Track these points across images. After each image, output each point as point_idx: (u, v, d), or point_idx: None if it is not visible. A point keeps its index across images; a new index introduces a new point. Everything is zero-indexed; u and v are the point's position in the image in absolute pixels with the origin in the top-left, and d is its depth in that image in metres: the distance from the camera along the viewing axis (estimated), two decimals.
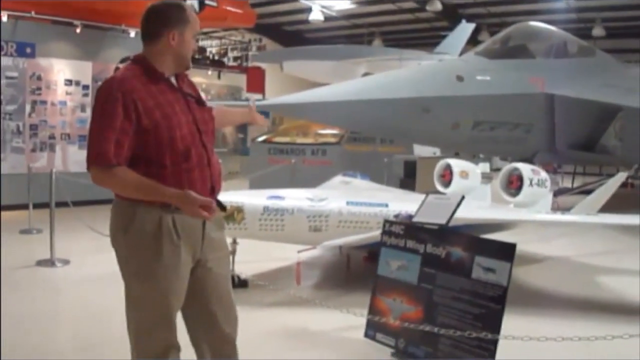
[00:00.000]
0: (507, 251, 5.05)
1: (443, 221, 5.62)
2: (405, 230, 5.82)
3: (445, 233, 5.56)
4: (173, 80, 3.75)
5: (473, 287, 5.10)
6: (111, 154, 3.41)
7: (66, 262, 9.24)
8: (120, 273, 3.70)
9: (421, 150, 16.63)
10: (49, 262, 9.16)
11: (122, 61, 12.96)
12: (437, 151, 16.91)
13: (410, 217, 6.25)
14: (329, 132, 16.95)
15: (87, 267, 9.06)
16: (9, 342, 5.96)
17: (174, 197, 3.44)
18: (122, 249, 3.64)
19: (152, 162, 3.53)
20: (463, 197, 5.85)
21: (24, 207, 12.08)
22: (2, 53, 14.19)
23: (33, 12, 14.57)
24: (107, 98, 3.49)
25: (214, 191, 3.77)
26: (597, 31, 27.83)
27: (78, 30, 15.23)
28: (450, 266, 5.32)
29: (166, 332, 3.67)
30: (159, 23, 3.66)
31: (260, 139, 17.78)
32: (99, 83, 13.81)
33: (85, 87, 15.53)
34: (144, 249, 3.54)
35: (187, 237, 3.61)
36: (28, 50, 14.59)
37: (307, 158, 16.02)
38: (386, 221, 6.14)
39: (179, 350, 3.76)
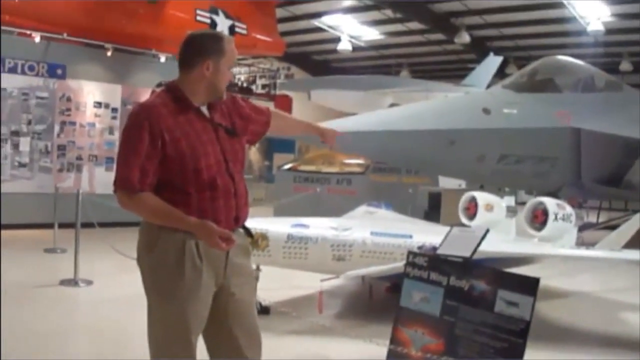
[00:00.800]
0: (530, 285, 5.04)
1: (467, 254, 5.61)
2: (429, 262, 5.81)
3: (469, 266, 5.55)
4: (204, 109, 3.78)
5: (495, 321, 5.08)
6: (135, 180, 3.50)
7: (89, 282, 9.30)
8: (145, 292, 3.74)
9: (446, 182, 16.60)
10: (73, 282, 9.23)
11: (159, 85, 13.07)
12: (462, 183, 16.88)
13: (434, 249, 6.24)
14: (355, 162, 16.98)
15: (110, 288, 9.12)
16: (31, 358, 6.01)
17: (193, 227, 3.50)
18: (145, 269, 3.70)
19: (177, 189, 3.59)
20: (488, 231, 5.84)
21: (50, 226, 12.18)
22: (33, 73, 14.37)
23: (65, 34, 14.73)
24: (134, 124, 3.58)
25: (238, 221, 3.81)
26: (625, 66, 27.79)
27: (109, 54, 15.43)
28: (473, 299, 5.30)
29: (184, 352, 3.68)
30: (195, 52, 3.70)
31: (286, 166, 17.86)
32: (128, 106, 14.22)
33: (114, 109, 15.72)
34: (166, 270, 3.59)
35: (210, 262, 3.65)
36: (59, 71, 14.79)
37: (332, 187, 16.07)
38: (410, 252, 6.14)
39: None
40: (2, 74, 14.10)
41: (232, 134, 3.85)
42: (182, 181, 3.59)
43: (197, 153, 3.60)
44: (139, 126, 3.54)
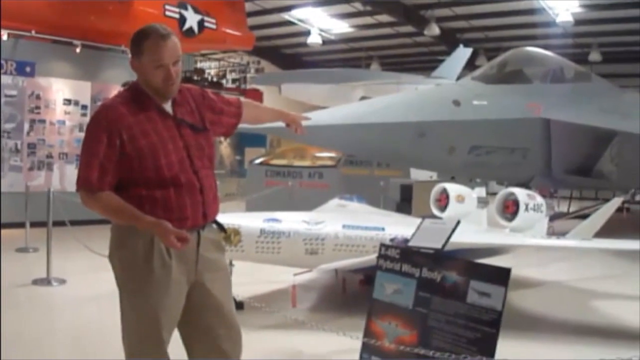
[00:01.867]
0: (501, 276, 5.06)
1: (439, 245, 5.63)
2: (401, 254, 5.83)
3: (441, 257, 5.58)
4: (168, 106, 3.77)
5: (468, 311, 5.11)
6: (94, 179, 3.54)
7: (62, 281, 9.28)
8: (117, 289, 3.76)
9: (418, 174, 16.64)
10: (45, 281, 9.20)
11: (124, 85, 13.01)
12: (433, 175, 16.92)
13: (406, 241, 6.26)
14: (326, 155, 16.99)
15: (84, 286, 9.10)
16: (4, 357, 5.98)
17: (148, 225, 3.50)
18: (116, 266, 3.73)
19: (140, 187, 3.61)
20: (459, 222, 5.87)
21: (21, 225, 12.13)
22: (2, 71, 14.27)
23: (33, 32, 14.64)
24: (93, 125, 3.63)
25: (206, 217, 3.81)
26: (594, 56, 27.98)
27: (78, 50, 15.36)
28: (446, 290, 5.33)
29: (156, 348, 3.70)
30: (131, 50, 3.71)
31: (258, 161, 17.83)
32: (98, 103, 14.07)
33: (84, 107, 15.67)
34: (136, 267, 3.61)
35: (180, 258, 3.66)
36: (28, 69, 14.69)
37: (304, 181, 16.08)
38: (382, 245, 6.16)
39: None
40: None
41: (196, 129, 3.84)
42: (144, 179, 3.61)
43: (156, 151, 3.61)
44: (97, 126, 3.59)
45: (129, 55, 3.73)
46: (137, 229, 3.55)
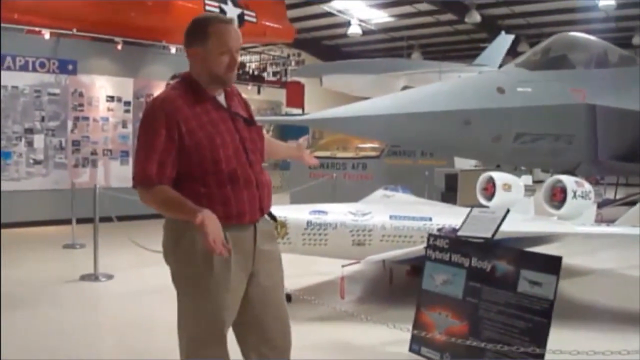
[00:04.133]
0: (553, 264, 5.02)
1: (488, 235, 5.59)
2: (450, 244, 5.80)
3: (491, 246, 5.54)
4: (221, 98, 3.74)
5: (519, 301, 5.07)
6: (153, 174, 3.46)
7: (110, 276, 9.31)
8: (174, 287, 3.72)
9: (461, 164, 16.54)
10: (93, 277, 9.25)
11: (173, 77, 13.05)
12: (478, 164, 16.82)
13: (455, 230, 6.22)
14: (369, 146, 16.95)
15: (131, 281, 9.14)
16: (53, 353, 6.03)
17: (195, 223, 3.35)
18: (173, 265, 3.67)
19: (197, 181, 3.55)
20: (508, 211, 5.82)
21: (67, 222, 12.19)
22: (44, 70, 14.38)
23: (75, 30, 14.73)
24: (150, 117, 3.54)
25: (262, 211, 3.78)
26: (638, 40, 27.67)
27: (119, 47, 15.40)
28: (496, 280, 5.29)
29: (218, 347, 3.68)
30: (187, 39, 3.67)
31: None
32: (140, 99, 14.17)
33: (127, 103, 15.70)
34: (195, 264, 3.55)
35: (239, 252, 3.61)
36: (70, 67, 14.78)
37: (348, 172, 16.03)
38: (430, 235, 6.13)
39: None
40: (15, 72, 14.11)
41: (250, 123, 3.81)
42: (202, 173, 3.55)
43: (215, 143, 3.55)
44: (155, 119, 3.51)
45: (186, 47, 3.67)
46: (193, 225, 3.43)
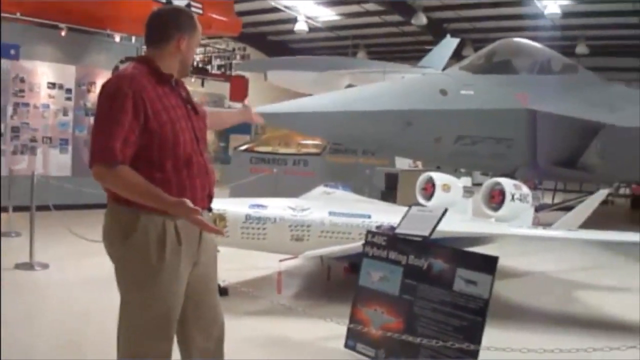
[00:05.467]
0: (489, 264, 5.08)
1: (426, 233, 5.63)
2: (388, 242, 5.83)
3: (428, 245, 5.58)
4: (173, 84, 3.75)
5: (454, 299, 5.12)
6: (117, 150, 3.36)
7: (45, 265, 9.18)
8: (117, 280, 3.63)
9: (404, 163, 16.65)
10: (28, 266, 9.10)
11: (123, 62, 12.91)
12: (418, 164, 16.94)
13: (393, 228, 6.25)
14: (311, 143, 16.96)
15: (67, 271, 9.03)
16: None
17: (171, 204, 3.37)
18: (120, 255, 3.58)
19: (154, 165, 3.50)
20: (446, 210, 5.87)
21: (3, 209, 12.01)
22: None
23: (18, 14, 14.51)
24: (116, 94, 3.44)
25: (211, 199, 3.80)
26: (581, 49, 28.07)
27: (63, 34, 15.19)
28: (432, 278, 5.33)
29: (164, 339, 3.64)
30: (171, 26, 3.67)
31: (242, 148, 17.76)
32: (82, 87, 13.95)
33: (69, 90, 15.50)
34: (147, 256, 3.49)
35: (188, 242, 3.60)
36: (12, 52, 14.50)
37: (289, 168, 16.02)
38: (369, 232, 6.15)
39: (170, 358, 3.71)
40: None
41: (197, 112, 3.82)
42: (160, 156, 3.51)
43: (175, 127, 3.54)
44: (122, 95, 3.41)
45: (171, 35, 3.68)
46: (145, 214, 3.46)
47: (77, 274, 8.70)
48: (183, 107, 3.70)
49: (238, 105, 24.89)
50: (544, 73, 14.44)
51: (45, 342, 6.36)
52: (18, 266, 9.10)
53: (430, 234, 5.64)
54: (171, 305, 3.61)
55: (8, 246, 10.48)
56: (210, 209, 3.89)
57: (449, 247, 5.65)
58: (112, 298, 3.71)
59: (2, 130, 14.58)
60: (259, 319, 6.93)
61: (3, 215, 11.89)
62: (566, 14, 23.92)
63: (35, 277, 8.84)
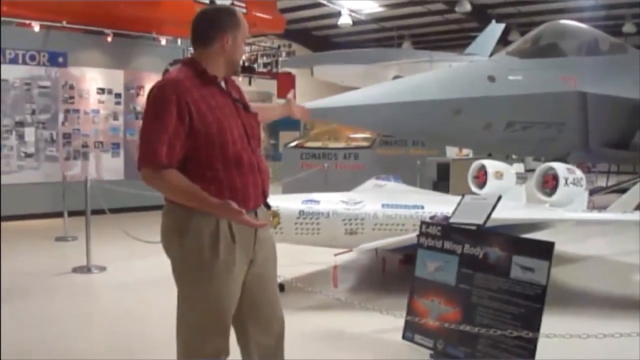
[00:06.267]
0: (545, 250, 5.03)
1: (480, 221, 5.60)
2: (442, 232, 5.80)
3: (483, 233, 5.54)
4: (222, 84, 3.78)
5: (512, 287, 5.08)
6: (163, 155, 3.42)
7: (102, 268, 9.32)
8: (174, 278, 3.69)
9: (453, 152, 16.56)
10: (85, 269, 9.25)
11: (172, 64, 13.03)
12: (469, 153, 16.85)
13: (447, 218, 6.22)
14: (361, 136, 16.96)
15: (124, 273, 9.15)
16: (47, 344, 6.04)
17: (216, 207, 3.44)
18: (177, 253, 3.64)
19: (203, 165, 3.55)
20: (500, 197, 5.83)
21: (58, 215, 12.23)
22: (35, 63, 14.39)
23: (64, 22, 14.69)
24: (160, 99, 3.50)
25: (265, 195, 3.82)
26: (628, 28, 27.68)
27: (109, 39, 15.36)
28: (488, 266, 5.30)
29: (219, 336, 3.68)
30: (213, 26, 3.70)
31: (292, 144, 17.82)
32: (131, 91, 14.13)
33: (118, 95, 15.69)
34: (201, 253, 3.54)
35: (242, 240, 3.63)
36: (60, 59, 14.76)
37: (339, 162, 16.04)
38: (423, 222, 6.13)
39: (228, 355, 3.75)
40: (5, 65, 14.08)
41: (247, 110, 3.85)
42: (209, 157, 3.55)
43: (223, 127, 3.57)
44: (166, 100, 3.47)
45: (215, 34, 3.70)
46: (199, 213, 3.50)
47: (134, 276, 8.80)
48: (232, 105, 3.73)
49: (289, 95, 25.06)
50: (593, 54, 14.25)
51: (103, 344, 6.45)
52: (75, 270, 9.25)
53: (485, 222, 5.61)
54: (226, 302, 3.65)
55: (65, 250, 10.69)
56: (268, 206, 3.91)
57: (504, 235, 5.62)
58: (169, 299, 3.74)
59: (55, 137, 14.77)
60: (316, 314, 6.97)
61: (59, 220, 12.06)
62: None
63: (93, 280, 8.98)
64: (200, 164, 3.55)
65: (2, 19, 14.02)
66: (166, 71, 14.37)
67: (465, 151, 16.96)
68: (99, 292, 8.47)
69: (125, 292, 8.18)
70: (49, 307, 7.43)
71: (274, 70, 28.55)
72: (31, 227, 13.02)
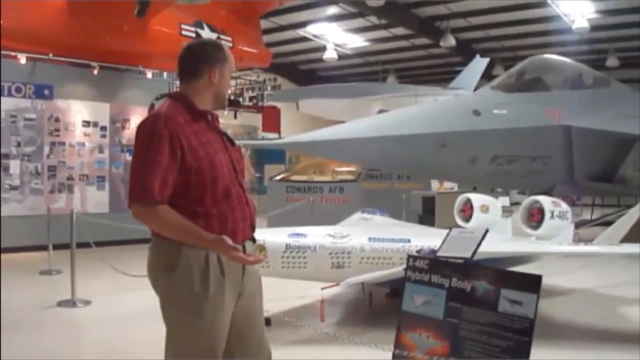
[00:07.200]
0: (533, 283, 5.02)
1: (468, 255, 5.59)
2: (430, 265, 5.79)
3: (470, 267, 5.54)
4: (209, 118, 3.79)
5: (500, 320, 5.06)
6: (156, 192, 3.43)
7: (87, 302, 9.26)
8: (162, 313, 3.67)
9: (435, 186, 16.63)
10: (70, 303, 9.18)
11: (158, 99, 13.06)
12: (454, 186, 16.89)
13: (434, 251, 6.22)
14: (346, 170, 16.97)
15: (109, 307, 9.08)
16: None
17: (211, 243, 3.44)
18: (165, 289, 3.62)
19: (194, 200, 3.55)
20: (487, 231, 5.83)
21: (43, 248, 12.17)
22: (21, 95, 14.39)
23: (51, 55, 14.69)
24: (152, 134, 3.50)
25: (253, 228, 3.83)
26: (611, 62, 27.92)
27: (95, 72, 15.38)
28: (476, 300, 5.28)
29: None
30: (201, 61, 3.72)
31: (278, 177, 17.81)
32: (117, 124, 14.10)
33: (103, 128, 15.72)
34: (191, 288, 3.53)
35: (231, 274, 3.62)
36: (46, 92, 14.77)
37: (325, 196, 16.03)
38: (410, 256, 6.12)
39: None
40: None
41: (233, 143, 3.86)
42: (200, 191, 3.56)
43: (213, 162, 3.59)
44: (159, 135, 3.48)
45: (202, 68, 3.73)
46: (187, 247, 3.50)
47: (119, 310, 8.75)
48: (220, 140, 3.75)
49: (271, 135, 25.08)
50: (576, 88, 14.37)
51: None
52: (60, 303, 9.18)
53: (473, 255, 5.61)
54: (217, 339, 3.62)
55: (49, 284, 10.62)
56: (254, 239, 3.90)
57: (492, 268, 5.61)
58: (156, 333, 3.72)
59: (40, 170, 14.73)
60: (303, 348, 6.93)
61: (43, 253, 11.99)
62: (594, 27, 23.76)
63: (78, 314, 8.90)
64: (191, 199, 3.55)
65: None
66: (152, 106, 14.39)
67: (447, 184, 17.05)
68: (84, 326, 8.40)
69: (110, 326, 8.12)
70: (34, 341, 7.36)
71: (260, 103, 28.59)
72: (15, 260, 12.90)
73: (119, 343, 7.34)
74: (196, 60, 3.73)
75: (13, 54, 14.49)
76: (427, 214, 14.95)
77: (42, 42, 14.52)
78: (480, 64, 24.85)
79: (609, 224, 10.00)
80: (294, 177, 17.50)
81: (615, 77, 18.29)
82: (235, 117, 25.25)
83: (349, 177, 16.70)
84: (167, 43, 15.54)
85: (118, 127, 15.84)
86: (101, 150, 15.66)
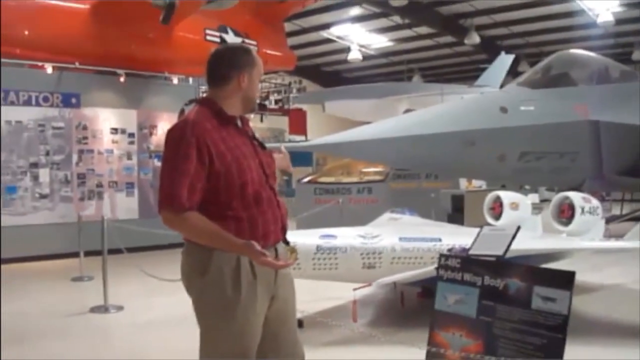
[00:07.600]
0: (566, 279, 5.01)
1: (500, 252, 5.59)
2: (462, 264, 5.78)
3: (503, 264, 5.53)
4: (239, 123, 3.80)
5: (533, 318, 5.05)
6: (184, 198, 3.46)
7: (120, 307, 9.29)
8: (196, 316, 3.70)
9: (463, 184, 16.57)
10: (103, 309, 9.22)
11: (188, 104, 13.06)
12: (482, 184, 16.83)
13: (465, 250, 6.21)
14: (374, 170, 16.95)
15: (141, 312, 9.11)
16: None
17: (239, 248, 3.46)
18: (198, 292, 3.64)
19: (224, 205, 3.57)
20: (519, 228, 5.82)
21: (74, 255, 12.23)
22: (48, 104, 14.51)
23: (77, 64, 14.77)
24: (180, 140, 3.52)
25: (284, 231, 3.84)
26: (638, 55, 27.73)
27: (122, 79, 15.43)
28: (509, 297, 5.27)
29: None
30: (230, 66, 3.72)
31: (305, 180, 17.81)
32: (144, 131, 14.16)
33: (131, 134, 15.74)
34: (223, 290, 3.55)
35: (263, 277, 3.63)
36: (73, 100, 14.83)
37: (353, 197, 16.01)
38: (442, 255, 6.11)
39: None
40: (18, 107, 14.18)
41: (263, 147, 3.87)
42: (228, 196, 3.57)
43: (242, 167, 3.60)
44: (186, 142, 3.50)
45: (231, 73, 3.73)
46: (219, 251, 3.52)
47: (152, 315, 8.77)
48: (249, 144, 3.76)
49: (298, 138, 25.11)
50: (603, 82, 14.29)
51: None
52: (93, 309, 9.22)
53: (505, 253, 5.60)
54: (249, 340, 3.65)
55: (82, 290, 10.67)
56: (286, 242, 3.91)
57: (525, 265, 5.59)
58: (189, 338, 3.74)
59: (69, 178, 14.82)
60: (337, 349, 6.94)
61: (75, 260, 12.06)
62: (619, 21, 23.63)
63: (111, 320, 8.94)
64: (220, 204, 3.57)
65: (17, 61, 14.13)
66: (182, 111, 14.42)
67: (475, 183, 16.98)
68: (117, 332, 8.43)
69: (143, 331, 8.16)
70: (67, 348, 7.40)
71: (286, 106, 28.65)
72: (47, 268, 13.00)
73: (153, 348, 7.36)
74: (225, 65, 3.74)
75: (39, 63, 14.58)
76: (456, 213, 14.89)
77: (68, 51, 14.59)
78: (505, 60, 24.76)
79: (639, 219, 9.93)
80: (322, 179, 17.49)
81: None
82: (261, 120, 25.31)
83: (377, 177, 16.68)
84: (193, 48, 15.61)
85: (145, 134, 15.89)
86: (129, 157, 15.71)
